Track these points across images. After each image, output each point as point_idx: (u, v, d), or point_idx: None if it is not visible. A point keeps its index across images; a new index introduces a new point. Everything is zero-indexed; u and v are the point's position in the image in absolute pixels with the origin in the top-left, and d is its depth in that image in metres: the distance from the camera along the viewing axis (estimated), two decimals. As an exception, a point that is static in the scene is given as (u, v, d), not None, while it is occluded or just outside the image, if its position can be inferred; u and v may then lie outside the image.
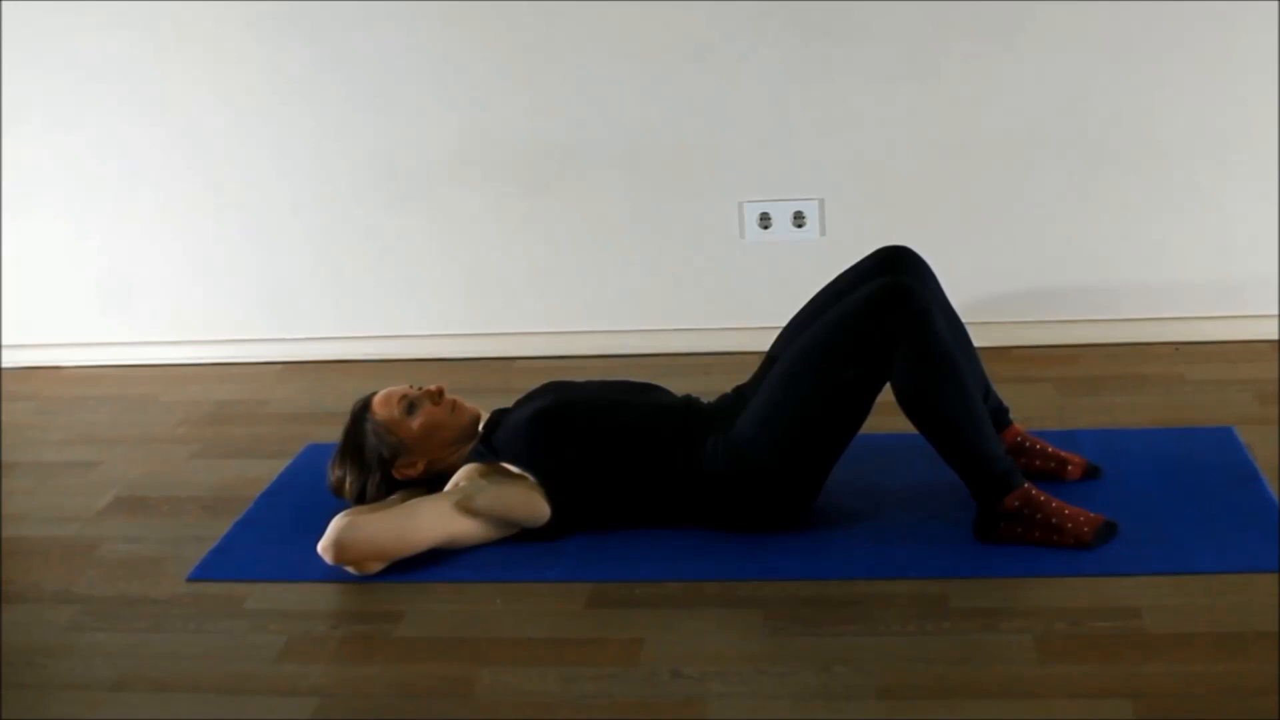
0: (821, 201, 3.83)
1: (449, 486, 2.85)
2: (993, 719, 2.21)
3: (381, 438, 2.90)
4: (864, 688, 2.31)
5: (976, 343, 2.96)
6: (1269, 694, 2.21)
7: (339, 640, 2.57)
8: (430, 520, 2.74)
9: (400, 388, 2.96)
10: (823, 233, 3.83)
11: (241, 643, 2.58)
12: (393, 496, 2.91)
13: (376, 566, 2.73)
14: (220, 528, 3.02)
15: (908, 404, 2.72)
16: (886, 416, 3.16)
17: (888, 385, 2.74)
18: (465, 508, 2.76)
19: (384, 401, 2.93)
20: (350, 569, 2.72)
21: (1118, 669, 2.31)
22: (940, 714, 2.24)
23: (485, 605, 2.65)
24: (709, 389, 3.04)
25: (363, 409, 2.95)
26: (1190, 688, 2.24)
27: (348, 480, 2.92)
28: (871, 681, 2.32)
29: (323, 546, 2.71)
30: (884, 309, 2.69)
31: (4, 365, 4.21)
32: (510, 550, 2.79)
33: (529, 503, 2.79)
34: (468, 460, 2.88)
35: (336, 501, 2.92)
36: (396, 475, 2.91)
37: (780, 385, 2.78)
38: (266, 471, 3.29)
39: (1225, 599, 2.49)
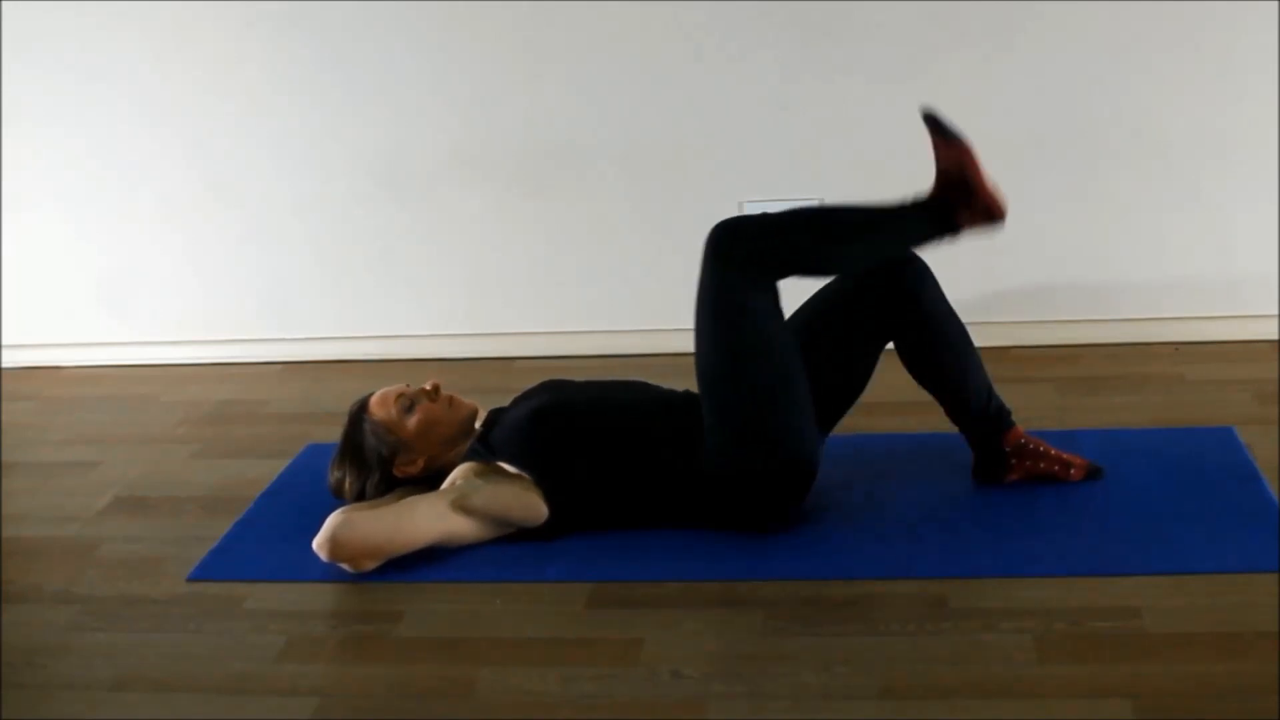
0: (821, 201, 3.82)
1: (445, 485, 2.84)
2: (993, 719, 2.21)
3: (380, 437, 2.90)
4: (864, 688, 2.31)
5: (976, 342, 2.95)
6: (1269, 694, 2.21)
7: (339, 640, 2.57)
8: (426, 519, 2.74)
9: (396, 387, 2.97)
10: (823, 233, 3.83)
11: (241, 643, 2.58)
12: (389, 495, 2.91)
13: (371, 564, 2.73)
14: (220, 528, 3.02)
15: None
16: (882, 417, 3.17)
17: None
18: (461, 506, 2.75)
19: (381, 401, 2.94)
20: (345, 566, 2.72)
21: (1118, 669, 2.30)
22: (940, 714, 2.24)
23: (485, 605, 2.65)
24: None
25: (360, 410, 2.95)
26: (1190, 688, 2.24)
27: (347, 481, 2.92)
28: (871, 681, 2.32)
29: (318, 543, 2.71)
30: (715, 246, 2.73)
31: (4, 365, 4.21)
32: (510, 550, 2.79)
33: (525, 502, 2.79)
34: (465, 459, 2.89)
35: (336, 501, 2.92)
36: (397, 474, 2.91)
37: (703, 367, 2.79)
38: (266, 471, 3.29)
39: (1225, 599, 2.49)
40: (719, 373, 2.75)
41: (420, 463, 2.91)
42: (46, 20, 3.89)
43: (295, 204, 4.00)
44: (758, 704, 2.29)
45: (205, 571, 2.85)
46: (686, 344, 3.92)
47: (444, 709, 2.35)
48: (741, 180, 3.83)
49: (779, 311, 2.76)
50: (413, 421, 2.91)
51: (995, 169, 3.74)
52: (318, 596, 2.72)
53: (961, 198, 2.81)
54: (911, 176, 3.77)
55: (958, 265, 3.57)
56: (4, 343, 4.21)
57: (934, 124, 2.81)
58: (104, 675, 2.50)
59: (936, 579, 2.61)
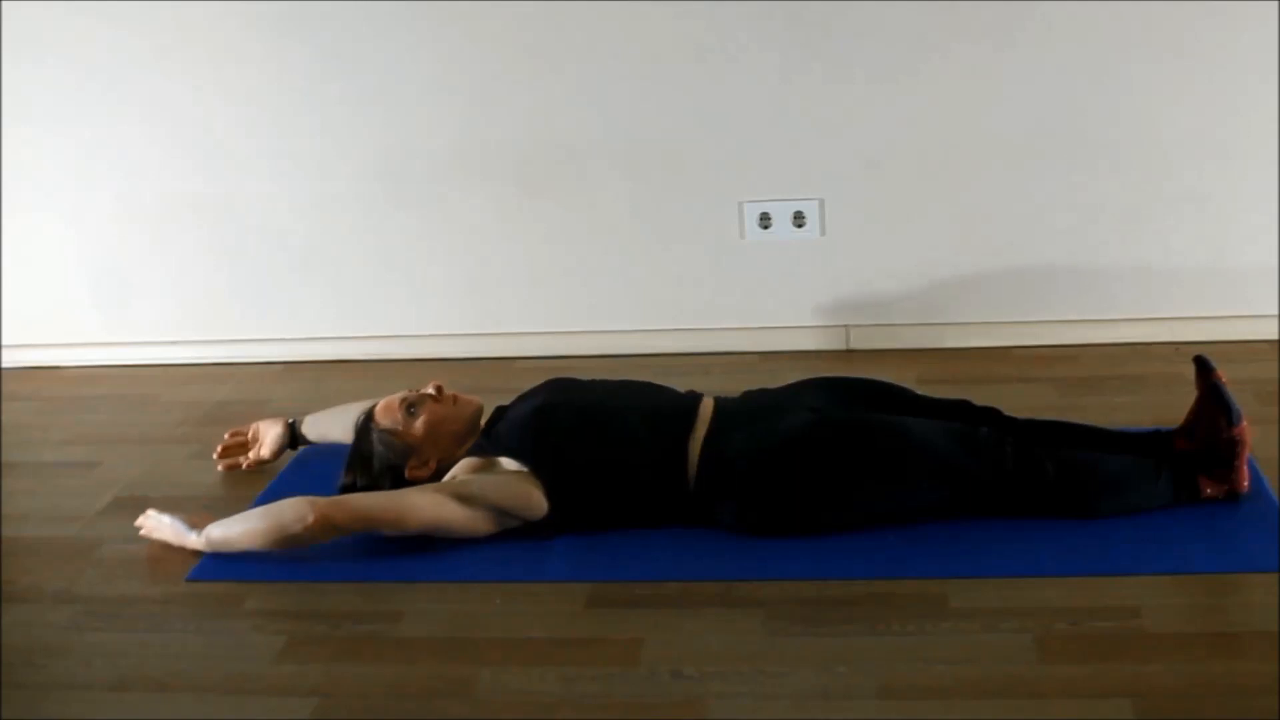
0: (821, 201, 3.82)
1: (445, 479, 2.87)
2: (992, 719, 2.21)
3: (389, 444, 2.92)
4: (864, 688, 2.31)
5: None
6: (1269, 694, 2.21)
7: (339, 640, 2.57)
8: (422, 500, 2.77)
9: (398, 394, 2.98)
10: (823, 233, 3.83)
11: (241, 643, 2.58)
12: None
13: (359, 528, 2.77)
14: (220, 528, 3.02)
15: None
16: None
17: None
18: (456, 494, 2.77)
19: (384, 409, 2.96)
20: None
21: (1118, 669, 2.31)
22: (940, 714, 2.24)
23: (485, 605, 2.65)
24: (709, 389, 3.04)
25: (366, 421, 2.97)
26: (1190, 688, 2.24)
27: (358, 487, 2.93)
28: (871, 681, 2.32)
29: (307, 502, 2.74)
30: None
31: (4, 365, 4.21)
32: (510, 550, 2.79)
33: (522, 492, 2.79)
34: (468, 455, 2.89)
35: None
36: (409, 476, 2.92)
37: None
38: (266, 471, 3.29)
39: (1225, 599, 2.50)
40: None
41: (433, 464, 2.93)
42: (47, 20, 3.89)
43: (295, 203, 4.00)
44: (758, 704, 2.29)
45: (205, 571, 2.84)
46: (686, 344, 3.96)
47: (444, 709, 2.35)
48: (741, 180, 3.83)
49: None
50: (419, 424, 2.92)
51: (995, 169, 3.76)
52: (318, 596, 2.72)
53: (1218, 471, 2.78)
54: (911, 176, 3.79)
55: (958, 265, 3.59)
56: (4, 343, 4.21)
57: (1220, 398, 2.77)
58: (104, 675, 2.50)
59: (936, 579, 2.61)
